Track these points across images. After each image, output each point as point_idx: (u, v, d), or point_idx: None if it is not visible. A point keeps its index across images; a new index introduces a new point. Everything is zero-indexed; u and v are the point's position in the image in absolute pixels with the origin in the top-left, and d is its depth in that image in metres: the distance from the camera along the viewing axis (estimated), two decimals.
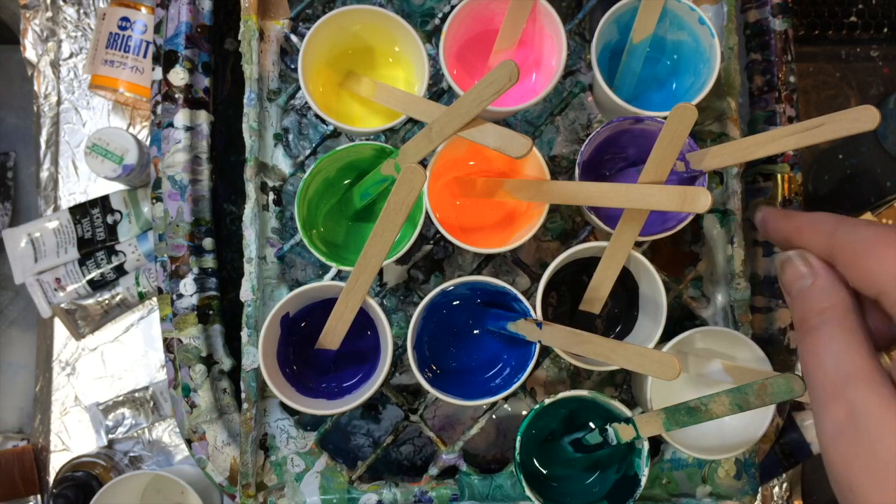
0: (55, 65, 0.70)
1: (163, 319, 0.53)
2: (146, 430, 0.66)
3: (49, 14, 0.70)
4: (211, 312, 0.53)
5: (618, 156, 0.54)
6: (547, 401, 0.46)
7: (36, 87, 0.70)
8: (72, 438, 0.66)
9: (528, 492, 0.45)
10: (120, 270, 0.66)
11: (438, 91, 0.55)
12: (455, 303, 0.52)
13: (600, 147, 0.51)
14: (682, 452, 0.51)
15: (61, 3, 0.71)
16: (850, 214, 0.64)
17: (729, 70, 0.54)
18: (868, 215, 0.62)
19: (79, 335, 0.66)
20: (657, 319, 0.49)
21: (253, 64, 0.53)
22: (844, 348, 0.32)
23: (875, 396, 0.30)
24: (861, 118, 0.40)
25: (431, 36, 0.54)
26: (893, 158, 0.72)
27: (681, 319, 0.57)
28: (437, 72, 0.51)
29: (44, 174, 0.69)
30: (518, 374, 0.48)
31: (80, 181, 0.69)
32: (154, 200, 0.54)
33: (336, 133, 0.55)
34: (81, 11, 0.71)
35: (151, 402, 0.65)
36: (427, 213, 0.48)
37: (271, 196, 0.54)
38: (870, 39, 0.73)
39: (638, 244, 0.52)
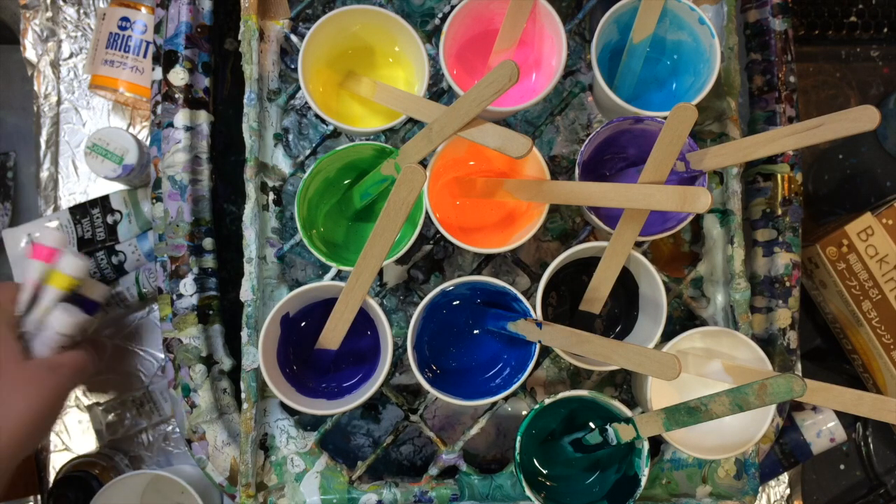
0: (55, 65, 0.70)
1: (163, 319, 0.53)
2: (146, 430, 0.66)
3: (49, 14, 0.70)
4: (211, 312, 0.53)
5: (618, 156, 0.54)
6: (547, 401, 0.46)
7: (36, 87, 0.70)
8: (72, 438, 0.66)
9: (528, 492, 0.45)
10: (120, 270, 0.66)
11: (438, 91, 0.55)
12: (455, 303, 0.52)
13: (600, 147, 0.51)
14: (682, 452, 0.51)
15: (61, 3, 0.71)
16: (850, 214, 0.64)
17: (729, 70, 0.54)
18: (868, 215, 0.62)
19: None
20: (657, 319, 0.49)
21: (253, 64, 0.53)
22: None
23: None
24: (861, 118, 0.40)
25: (431, 36, 0.54)
26: (893, 158, 0.72)
27: (681, 319, 0.57)
28: (437, 72, 0.51)
29: (44, 174, 0.69)
30: (518, 374, 0.48)
31: (80, 181, 0.69)
32: (154, 200, 0.54)
33: (336, 133, 0.55)
34: (81, 11, 0.71)
35: (151, 402, 0.65)
36: (427, 213, 0.48)
37: (271, 196, 0.54)
38: (870, 39, 0.73)
39: (638, 244, 0.52)
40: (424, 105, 0.47)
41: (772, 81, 0.55)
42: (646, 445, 0.46)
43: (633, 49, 0.52)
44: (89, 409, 0.66)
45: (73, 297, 0.55)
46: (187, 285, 0.52)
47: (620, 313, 0.54)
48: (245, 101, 0.52)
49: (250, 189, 0.52)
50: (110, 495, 0.58)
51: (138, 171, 0.64)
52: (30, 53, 0.70)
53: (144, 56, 0.65)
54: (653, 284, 0.49)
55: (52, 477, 0.65)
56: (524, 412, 0.61)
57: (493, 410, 0.52)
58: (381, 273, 0.56)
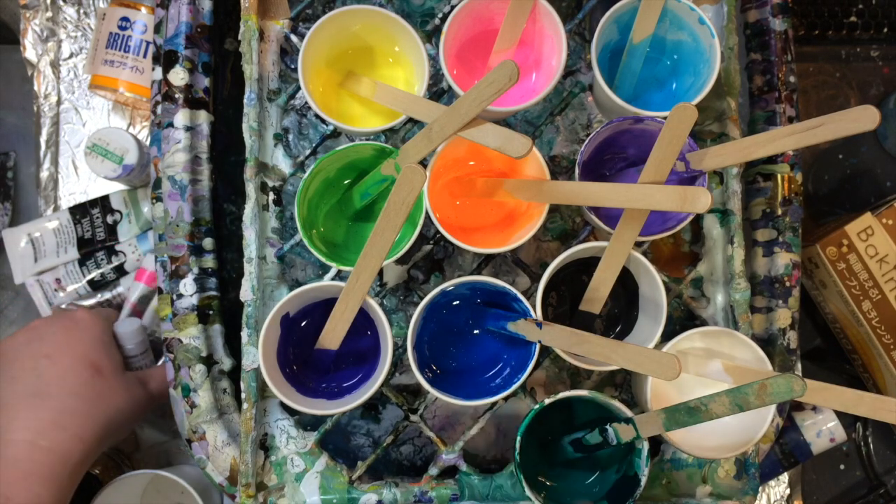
0: (55, 65, 0.70)
1: (163, 319, 0.53)
2: (146, 430, 0.66)
3: (49, 14, 0.70)
4: (211, 312, 0.53)
5: (618, 156, 0.54)
6: (547, 401, 0.46)
7: (36, 87, 0.70)
8: None
9: (528, 492, 0.45)
10: (120, 270, 0.66)
11: (438, 91, 0.56)
12: (455, 303, 0.52)
13: (600, 147, 0.51)
14: (682, 452, 0.51)
15: (61, 3, 0.71)
16: (850, 214, 0.64)
17: (729, 70, 0.54)
18: (868, 215, 0.62)
19: None
20: (657, 319, 0.49)
21: (253, 64, 0.53)
22: None
23: None
24: (861, 118, 0.40)
25: (431, 36, 0.54)
26: (893, 158, 0.72)
27: (681, 319, 0.57)
28: (437, 72, 0.51)
29: (44, 174, 0.69)
30: (518, 374, 0.48)
31: (80, 181, 0.69)
32: (154, 200, 0.54)
33: (336, 133, 0.55)
34: (81, 11, 0.71)
35: None
36: (427, 213, 0.48)
37: (271, 196, 0.54)
38: (870, 39, 0.73)
39: (638, 244, 0.52)
40: (424, 105, 0.47)
41: (772, 81, 0.55)
42: (646, 445, 0.46)
43: (633, 49, 0.52)
44: None
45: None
46: (187, 285, 0.52)
47: (620, 313, 0.54)
48: (245, 101, 0.52)
49: (250, 189, 0.52)
50: (110, 495, 0.58)
51: (138, 171, 0.64)
52: (30, 53, 0.70)
53: (144, 56, 0.65)
54: (653, 284, 0.49)
55: None
56: (524, 412, 0.61)
57: (493, 410, 0.52)
58: (381, 273, 0.56)
